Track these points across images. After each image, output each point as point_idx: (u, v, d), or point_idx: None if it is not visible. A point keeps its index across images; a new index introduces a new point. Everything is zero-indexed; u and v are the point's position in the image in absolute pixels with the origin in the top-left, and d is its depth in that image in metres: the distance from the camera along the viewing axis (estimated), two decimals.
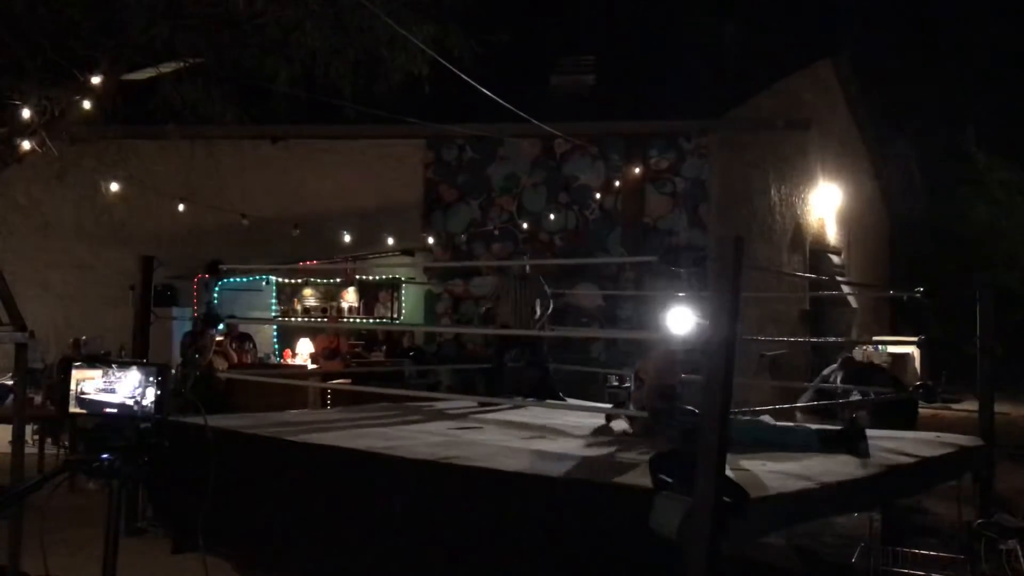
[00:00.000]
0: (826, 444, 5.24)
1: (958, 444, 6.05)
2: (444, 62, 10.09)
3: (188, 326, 11.25)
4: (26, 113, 9.05)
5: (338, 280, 13.28)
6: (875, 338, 18.39)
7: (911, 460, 5.30)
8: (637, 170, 13.71)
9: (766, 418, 5.89)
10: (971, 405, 6.90)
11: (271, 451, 5.26)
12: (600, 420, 6.47)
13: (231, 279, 12.70)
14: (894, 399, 7.52)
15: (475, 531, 4.29)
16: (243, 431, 5.49)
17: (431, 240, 13.90)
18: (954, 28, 23.90)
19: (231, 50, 10.66)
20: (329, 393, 10.06)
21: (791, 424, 6.53)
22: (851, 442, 5.20)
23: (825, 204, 18.34)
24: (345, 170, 14.32)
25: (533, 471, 4.37)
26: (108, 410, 3.17)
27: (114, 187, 11.12)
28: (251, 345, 12.12)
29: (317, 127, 13.91)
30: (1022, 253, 21.45)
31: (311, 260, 12.25)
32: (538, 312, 8.16)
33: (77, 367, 3.24)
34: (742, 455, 4.74)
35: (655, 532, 3.61)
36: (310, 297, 13.35)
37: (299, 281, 13.29)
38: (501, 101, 10.58)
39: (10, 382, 8.35)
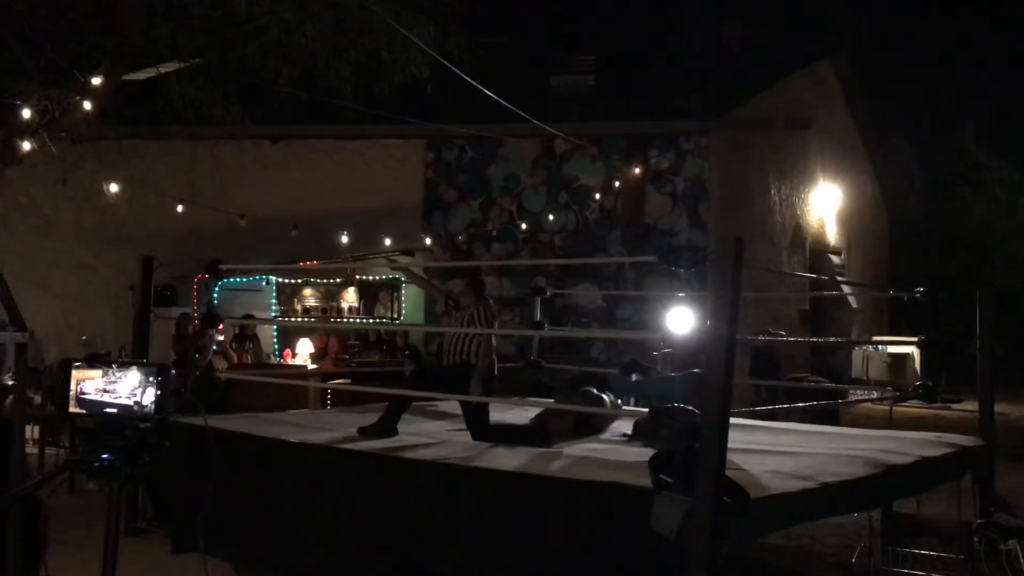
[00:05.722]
0: None
1: (958, 444, 6.05)
2: (445, 62, 10.09)
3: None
4: (27, 113, 9.04)
5: (338, 280, 13.28)
6: (875, 338, 18.40)
7: (911, 460, 5.30)
8: (637, 170, 13.71)
9: None
10: (971, 405, 6.90)
11: (271, 451, 5.26)
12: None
13: (231, 279, 12.70)
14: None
15: (474, 531, 4.29)
16: (243, 431, 5.49)
17: (430, 240, 13.90)
18: (954, 27, 23.90)
19: (232, 51, 10.66)
20: (329, 393, 10.06)
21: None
22: None
23: (825, 204, 18.35)
24: (345, 170, 14.32)
25: (533, 471, 4.37)
26: (108, 410, 3.17)
27: (114, 187, 11.12)
28: (251, 345, 12.12)
29: (317, 127, 13.92)
30: (1022, 253, 21.45)
31: (311, 260, 12.25)
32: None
33: (77, 367, 3.24)
34: (741, 455, 4.74)
35: (655, 532, 3.61)
36: (310, 297, 13.35)
37: (299, 281, 13.29)
38: (501, 101, 10.58)
39: (10, 382, 8.35)
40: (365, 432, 5.44)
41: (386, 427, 5.52)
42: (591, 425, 6.02)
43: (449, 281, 6.52)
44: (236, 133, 12.44)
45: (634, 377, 5.68)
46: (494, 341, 5.98)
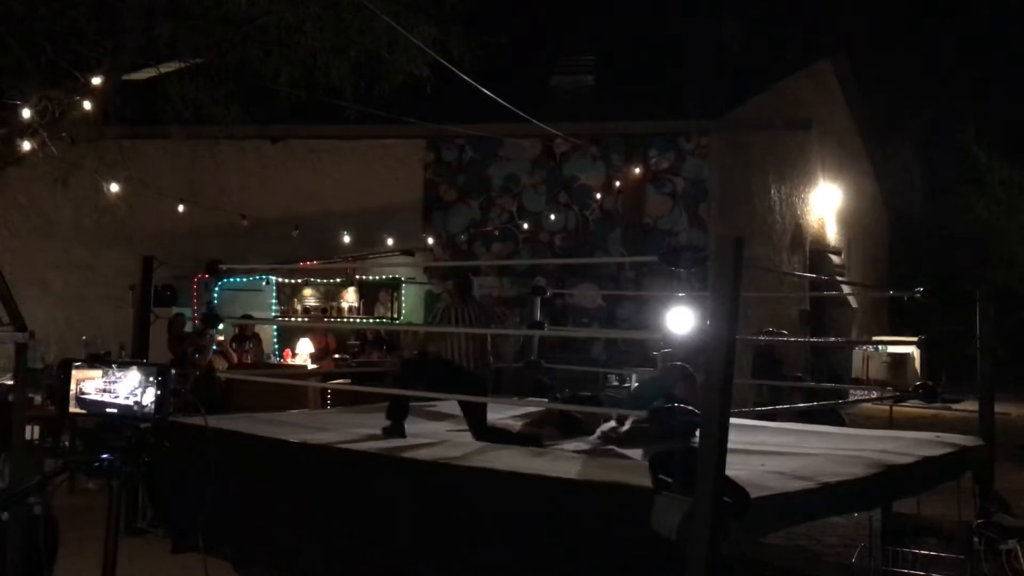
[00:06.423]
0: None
1: (958, 444, 6.05)
2: (445, 62, 10.09)
3: (189, 326, 11.26)
4: (27, 113, 9.04)
5: (338, 280, 13.29)
6: (875, 338, 18.42)
7: (911, 460, 5.30)
8: (637, 170, 13.71)
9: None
10: (971, 405, 6.90)
11: (271, 451, 5.26)
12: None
13: (231, 279, 12.70)
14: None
15: (474, 532, 4.29)
16: (243, 431, 5.49)
17: (431, 240, 13.90)
18: (955, 27, 23.89)
19: (232, 51, 10.66)
20: (329, 393, 10.06)
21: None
22: None
23: (825, 204, 18.36)
24: (345, 170, 14.32)
25: (532, 471, 4.37)
26: (108, 410, 3.17)
27: (115, 187, 11.11)
28: (251, 345, 12.12)
29: (317, 127, 13.92)
30: (1022, 253, 21.45)
31: (311, 260, 12.25)
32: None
33: (77, 367, 3.24)
34: (742, 455, 4.74)
35: (655, 532, 3.61)
36: (310, 297, 13.35)
37: (299, 281, 13.29)
38: (501, 101, 10.58)
39: (10, 382, 8.34)
40: (388, 432, 5.50)
41: (395, 426, 5.55)
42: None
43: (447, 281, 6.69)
44: (236, 133, 12.43)
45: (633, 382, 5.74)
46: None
